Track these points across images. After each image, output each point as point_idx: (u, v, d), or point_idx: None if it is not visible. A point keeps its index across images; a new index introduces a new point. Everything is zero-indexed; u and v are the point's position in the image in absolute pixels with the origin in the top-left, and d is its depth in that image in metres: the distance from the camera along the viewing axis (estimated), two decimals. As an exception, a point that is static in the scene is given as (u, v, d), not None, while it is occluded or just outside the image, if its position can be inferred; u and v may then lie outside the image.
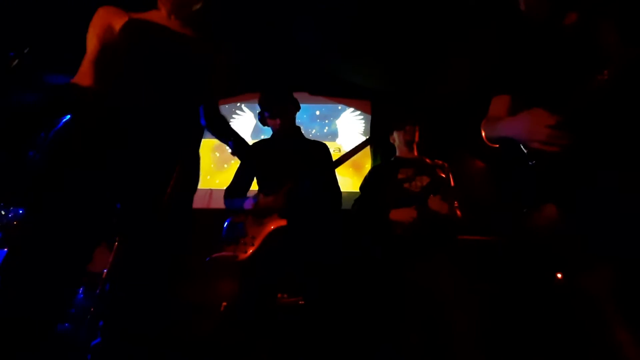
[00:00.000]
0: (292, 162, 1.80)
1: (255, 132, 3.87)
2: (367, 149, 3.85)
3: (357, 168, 3.74)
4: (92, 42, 1.13)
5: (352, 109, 4.00)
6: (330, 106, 4.02)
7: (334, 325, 1.73)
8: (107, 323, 1.05)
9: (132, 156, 1.02)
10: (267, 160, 1.86)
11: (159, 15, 1.22)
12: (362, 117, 3.99)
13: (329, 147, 1.95)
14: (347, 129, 3.97)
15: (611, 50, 0.96)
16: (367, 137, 3.90)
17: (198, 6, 1.24)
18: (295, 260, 1.70)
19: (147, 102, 1.07)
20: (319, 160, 1.84)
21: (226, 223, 1.79)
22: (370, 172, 2.19)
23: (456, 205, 1.90)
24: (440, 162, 2.07)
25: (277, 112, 1.85)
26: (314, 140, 1.98)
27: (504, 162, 1.14)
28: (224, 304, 2.35)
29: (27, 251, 0.90)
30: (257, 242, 1.66)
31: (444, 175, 1.98)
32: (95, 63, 1.12)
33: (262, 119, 1.90)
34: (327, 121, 3.99)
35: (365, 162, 3.80)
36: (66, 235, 0.92)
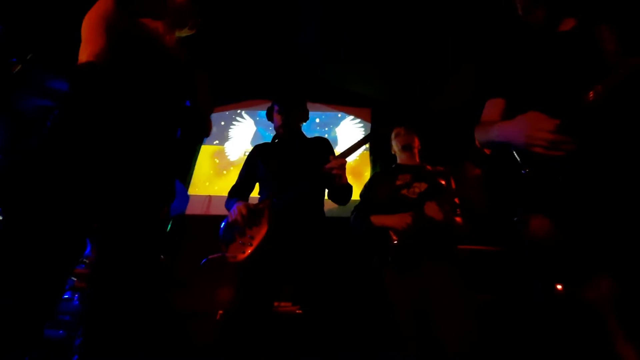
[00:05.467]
0: (294, 162, 1.78)
1: (255, 139, 3.88)
2: (367, 158, 3.85)
3: (356, 176, 3.74)
4: (99, 32, 1.03)
5: (352, 117, 4.01)
6: (330, 114, 4.04)
7: (331, 334, 1.71)
8: (87, 324, 1.02)
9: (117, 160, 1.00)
10: (269, 160, 1.84)
11: (153, 28, 1.21)
12: (362, 124, 4.00)
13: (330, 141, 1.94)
14: (347, 136, 3.98)
15: (611, 58, 0.96)
16: (367, 145, 3.90)
17: (191, 32, 1.28)
18: (291, 265, 1.69)
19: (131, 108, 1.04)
20: (322, 156, 1.78)
21: (223, 223, 1.77)
22: (370, 179, 2.19)
23: (458, 212, 1.88)
24: (441, 168, 2.06)
25: (292, 105, 1.85)
26: (315, 137, 1.96)
27: (497, 170, 1.12)
28: (220, 311, 2.32)
29: (9, 248, 0.85)
30: (256, 242, 1.65)
31: (444, 182, 1.98)
32: (107, 49, 1.02)
33: (272, 111, 1.89)
34: (327, 129, 4.00)
35: (364, 170, 3.80)
36: (51, 231, 0.88)
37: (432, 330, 1.63)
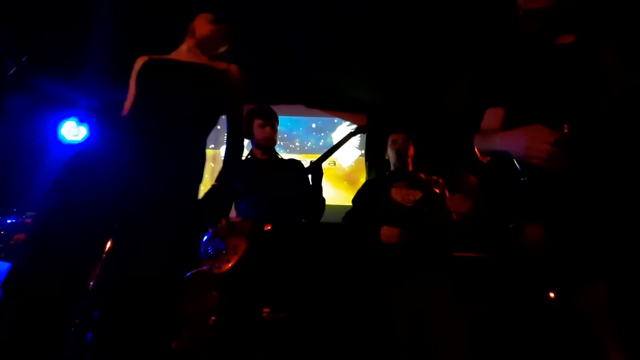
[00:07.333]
0: (269, 179, 1.83)
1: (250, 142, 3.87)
2: (362, 164, 3.86)
3: (351, 182, 3.75)
4: (130, 85, 1.34)
5: (348, 123, 4.03)
6: (326, 119, 4.05)
7: (321, 341, 1.70)
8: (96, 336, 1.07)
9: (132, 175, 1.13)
10: (250, 175, 1.87)
11: (177, 53, 1.37)
12: (357, 131, 4.01)
13: (303, 163, 1.99)
14: (342, 142, 3.98)
15: (611, 74, 0.96)
16: (363, 150, 3.92)
17: (223, 49, 1.44)
18: (278, 271, 1.69)
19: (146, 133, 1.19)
20: (295, 177, 1.87)
21: (205, 238, 1.76)
22: (363, 186, 2.19)
23: (455, 218, 1.89)
24: (435, 177, 2.07)
25: (271, 122, 1.90)
26: (289, 159, 2.02)
27: (495, 177, 1.13)
28: (213, 317, 2.30)
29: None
30: (240, 250, 1.64)
31: (438, 191, 1.99)
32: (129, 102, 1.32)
33: (250, 127, 1.92)
34: (322, 134, 4.01)
35: (359, 176, 3.81)
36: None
37: (427, 340, 1.63)
